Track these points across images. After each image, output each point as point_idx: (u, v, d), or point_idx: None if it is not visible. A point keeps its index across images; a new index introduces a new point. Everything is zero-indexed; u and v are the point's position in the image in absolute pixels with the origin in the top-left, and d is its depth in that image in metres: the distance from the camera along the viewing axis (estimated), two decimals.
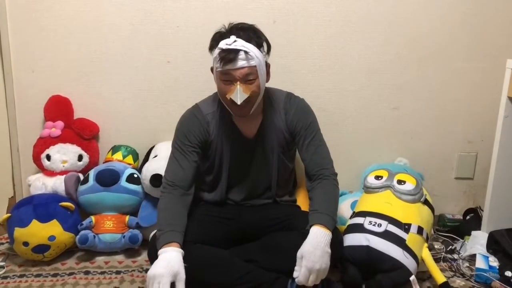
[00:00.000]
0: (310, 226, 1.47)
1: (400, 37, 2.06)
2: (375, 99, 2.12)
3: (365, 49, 2.07)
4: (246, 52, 1.48)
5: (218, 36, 1.53)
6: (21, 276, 1.73)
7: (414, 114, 2.15)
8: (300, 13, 2.01)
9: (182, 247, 1.44)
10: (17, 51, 2.01)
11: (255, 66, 1.50)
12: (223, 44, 1.48)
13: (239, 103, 1.49)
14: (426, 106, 2.14)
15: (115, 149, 2.06)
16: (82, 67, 2.03)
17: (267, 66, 1.60)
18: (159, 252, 1.41)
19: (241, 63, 1.48)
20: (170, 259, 1.38)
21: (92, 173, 1.94)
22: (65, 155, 1.98)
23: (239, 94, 1.48)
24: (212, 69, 1.60)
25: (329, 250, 1.43)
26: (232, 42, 1.47)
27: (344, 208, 1.94)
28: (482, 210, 1.99)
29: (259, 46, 1.53)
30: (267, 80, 1.62)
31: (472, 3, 2.04)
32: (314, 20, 2.02)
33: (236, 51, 1.47)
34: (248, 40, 1.50)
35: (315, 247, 1.41)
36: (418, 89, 2.12)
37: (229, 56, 1.47)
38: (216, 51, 1.51)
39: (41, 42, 2.00)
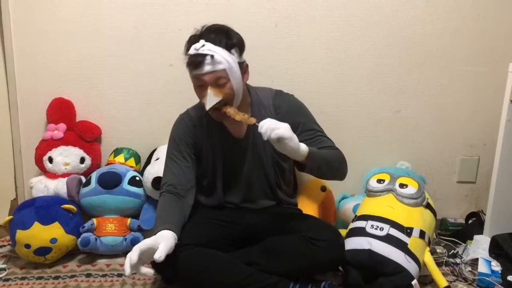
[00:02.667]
0: None
1: (402, 40, 2.06)
2: (377, 103, 2.12)
3: (366, 53, 2.07)
4: (212, 56, 1.46)
5: (188, 41, 1.53)
6: (22, 278, 1.73)
7: (416, 117, 2.15)
8: (302, 17, 2.02)
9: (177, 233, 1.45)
10: (20, 53, 2.02)
11: (224, 69, 1.48)
12: (192, 49, 1.48)
13: (207, 108, 1.50)
14: (428, 110, 2.14)
15: (117, 152, 2.07)
16: (85, 70, 2.04)
17: (244, 66, 1.57)
18: None
19: (207, 67, 1.47)
20: (153, 237, 1.39)
21: (94, 176, 1.94)
22: (67, 157, 1.99)
23: (208, 99, 1.49)
24: None
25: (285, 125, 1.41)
26: (200, 47, 1.47)
27: (346, 212, 1.94)
28: (485, 214, 1.99)
29: (229, 48, 1.50)
30: (246, 79, 1.61)
31: (474, 6, 2.05)
32: (316, 23, 2.03)
33: (203, 56, 1.46)
34: (217, 43, 1.48)
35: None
36: (420, 93, 2.12)
37: (196, 60, 1.47)
38: (187, 56, 1.51)
39: (44, 45, 2.01)
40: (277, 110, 1.67)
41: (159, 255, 1.31)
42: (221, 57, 1.47)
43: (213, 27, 1.53)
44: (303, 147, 1.45)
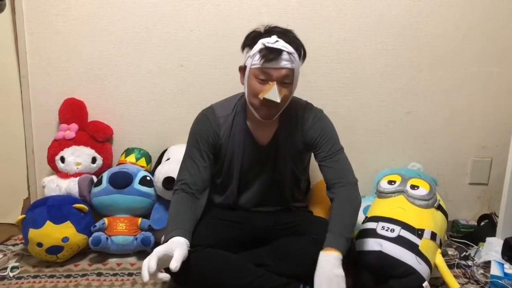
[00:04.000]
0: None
1: (414, 41, 2.05)
2: (388, 103, 2.11)
3: (378, 53, 2.06)
4: (289, 53, 1.47)
5: (255, 35, 1.52)
6: (35, 276, 1.75)
7: (428, 118, 2.13)
8: (313, 18, 2.02)
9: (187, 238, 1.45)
10: (33, 54, 2.04)
11: (293, 69, 1.49)
12: (265, 42, 1.46)
13: (279, 101, 1.46)
14: (440, 111, 2.12)
15: (128, 152, 2.08)
16: (97, 71, 2.06)
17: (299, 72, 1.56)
18: None
19: (283, 63, 1.46)
20: (168, 244, 1.39)
21: (105, 176, 1.96)
22: (79, 157, 2.00)
23: (277, 93, 1.46)
24: (241, 68, 1.57)
25: (339, 272, 1.38)
26: (274, 42, 1.46)
27: None
28: (497, 216, 1.97)
29: (297, 50, 1.51)
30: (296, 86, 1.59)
31: (486, 7, 2.03)
32: (327, 24, 2.02)
33: (279, 51, 1.45)
34: (288, 42, 1.48)
35: (321, 275, 1.38)
36: (432, 93, 2.11)
37: (271, 54, 1.45)
38: (257, 47, 1.47)
39: (57, 46, 2.03)
40: (303, 126, 1.65)
41: (175, 265, 1.31)
42: (294, 56, 1.48)
43: (278, 28, 1.53)
44: (336, 261, 1.40)
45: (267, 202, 1.72)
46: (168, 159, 1.98)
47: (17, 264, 1.82)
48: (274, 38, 1.47)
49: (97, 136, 2.05)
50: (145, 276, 1.29)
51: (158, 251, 1.35)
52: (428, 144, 2.16)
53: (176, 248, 1.36)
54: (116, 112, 2.10)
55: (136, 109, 2.10)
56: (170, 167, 1.86)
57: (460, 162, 2.18)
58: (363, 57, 2.06)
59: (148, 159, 2.10)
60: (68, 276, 1.75)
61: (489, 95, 2.11)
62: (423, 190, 1.77)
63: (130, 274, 1.76)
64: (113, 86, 2.08)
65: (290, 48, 1.47)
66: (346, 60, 2.06)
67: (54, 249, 1.78)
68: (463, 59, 2.07)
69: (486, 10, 2.03)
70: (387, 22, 2.03)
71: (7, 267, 1.78)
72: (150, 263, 1.30)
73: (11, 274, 1.74)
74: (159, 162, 2.04)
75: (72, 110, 2.05)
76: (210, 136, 1.63)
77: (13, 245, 2.00)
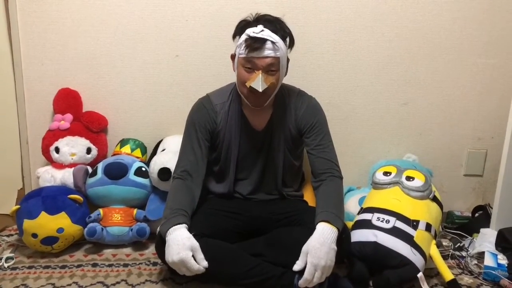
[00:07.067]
0: (317, 223, 1.47)
1: (411, 32, 2.04)
2: (384, 95, 2.11)
3: (375, 44, 2.05)
4: (272, 42, 1.51)
5: (244, 24, 1.56)
6: (29, 267, 1.74)
7: (424, 110, 2.13)
8: (310, 8, 2.00)
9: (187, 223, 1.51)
10: (26, 44, 2.02)
11: (279, 57, 1.53)
12: (250, 32, 1.51)
13: (261, 90, 1.50)
14: (436, 102, 2.12)
15: (123, 143, 2.07)
16: (91, 60, 2.04)
17: (287, 60, 1.62)
18: (166, 238, 1.45)
19: (266, 52, 1.51)
20: (178, 240, 1.42)
21: (100, 166, 1.95)
22: (74, 147, 1.99)
23: (260, 82, 1.50)
24: (232, 56, 1.63)
25: (335, 247, 1.43)
26: (259, 31, 1.50)
27: (352, 204, 1.94)
28: (491, 208, 1.98)
29: (283, 38, 1.55)
30: (285, 74, 1.64)
31: None
32: (324, 14, 2.01)
33: (263, 40, 1.50)
34: (274, 31, 1.52)
35: (321, 243, 1.41)
36: (428, 85, 2.10)
37: (255, 44, 1.50)
38: (242, 37, 1.53)
39: (51, 35, 2.01)
40: (297, 111, 1.70)
41: (205, 263, 1.43)
42: (279, 44, 1.52)
43: (267, 16, 1.57)
44: (335, 235, 1.46)
45: (262, 188, 1.74)
46: (163, 149, 1.97)
47: (11, 254, 1.81)
48: (259, 27, 1.51)
49: (92, 126, 2.04)
50: (195, 267, 1.42)
51: (188, 257, 1.41)
52: (424, 136, 2.16)
53: (194, 252, 1.43)
54: (111, 102, 2.09)
55: (131, 99, 2.09)
56: (166, 158, 1.86)
57: (455, 153, 2.19)
58: (359, 48, 2.05)
59: (143, 149, 2.09)
60: (63, 267, 1.75)
61: (485, 87, 2.11)
62: (418, 182, 1.78)
63: (125, 265, 1.76)
64: (108, 76, 2.06)
65: (275, 37, 1.51)
66: (342, 51, 2.05)
67: (49, 240, 1.78)
68: (459, 50, 2.07)
69: (483, 1, 2.02)
70: (384, 13, 2.02)
71: (2, 257, 1.77)
72: (194, 265, 1.41)
73: (5, 265, 1.74)
74: (154, 152, 2.03)
75: (67, 100, 2.03)
76: (208, 123, 1.67)
77: (8, 235, 1.99)
